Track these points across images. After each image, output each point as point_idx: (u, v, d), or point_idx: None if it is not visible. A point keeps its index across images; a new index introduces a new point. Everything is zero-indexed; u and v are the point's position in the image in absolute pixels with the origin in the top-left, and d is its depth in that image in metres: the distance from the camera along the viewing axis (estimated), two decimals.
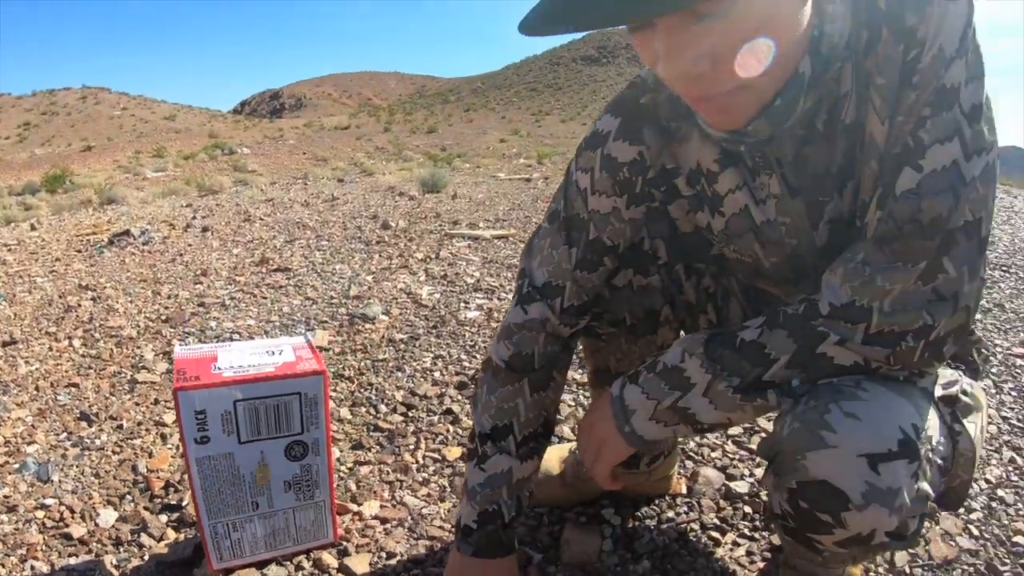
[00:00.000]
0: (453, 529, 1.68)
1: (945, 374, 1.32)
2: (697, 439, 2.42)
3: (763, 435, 2.39)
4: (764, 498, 2.07)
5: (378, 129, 50.59)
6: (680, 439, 1.82)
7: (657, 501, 2.11)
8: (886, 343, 1.12)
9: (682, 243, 1.58)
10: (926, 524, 2.00)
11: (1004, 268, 5.32)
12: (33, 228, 9.24)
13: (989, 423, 2.29)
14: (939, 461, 1.20)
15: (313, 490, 1.83)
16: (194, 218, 8.40)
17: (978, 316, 3.94)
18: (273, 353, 1.78)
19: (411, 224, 7.06)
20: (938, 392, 1.26)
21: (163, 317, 4.02)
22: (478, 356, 3.23)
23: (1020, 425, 2.65)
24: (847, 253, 1.17)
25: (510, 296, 4.01)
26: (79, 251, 6.49)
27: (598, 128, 1.45)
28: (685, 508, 2.08)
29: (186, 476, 2.23)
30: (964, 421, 1.28)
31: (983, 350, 1.48)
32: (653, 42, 1.03)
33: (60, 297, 4.65)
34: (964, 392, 1.32)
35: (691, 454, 2.35)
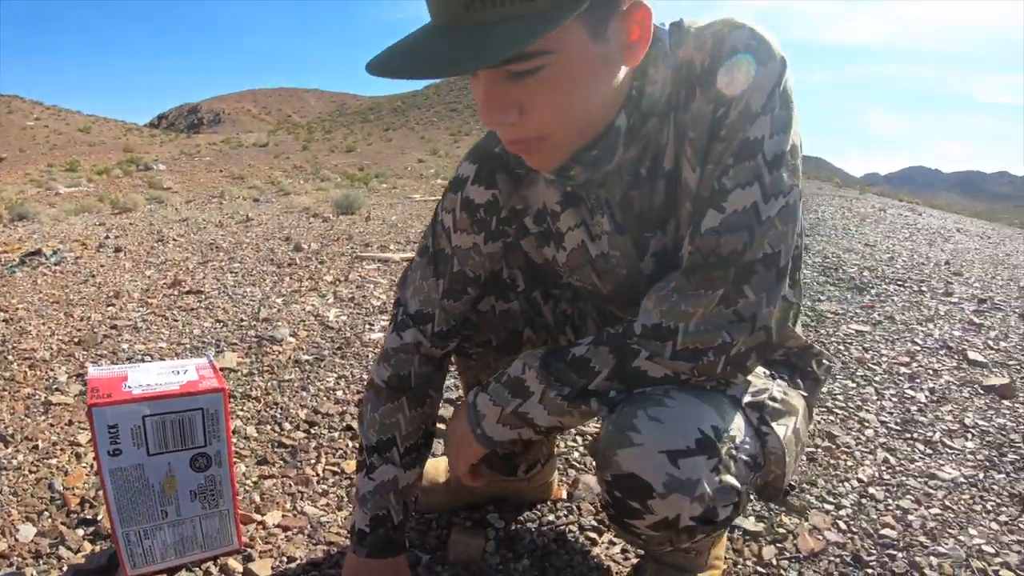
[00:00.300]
0: (349, 534, 1.87)
1: (756, 383, 1.51)
2: (581, 449, 2.64)
3: None
4: None
5: (296, 147, 50.14)
6: (565, 434, 2.03)
7: (539, 506, 2.29)
8: (690, 358, 1.30)
9: (536, 273, 1.83)
10: (794, 519, 2.23)
11: (900, 282, 5.65)
12: None
13: (866, 427, 2.72)
14: (745, 458, 1.39)
15: (217, 499, 1.98)
16: (107, 238, 8.37)
17: (867, 328, 4.22)
18: (178, 372, 1.94)
19: (323, 246, 7.20)
20: (746, 399, 1.45)
21: (76, 340, 4.04)
22: None
23: (896, 428, 2.93)
24: (661, 282, 1.37)
25: None
26: None
27: (459, 173, 1.67)
28: (565, 511, 2.26)
29: (100, 491, 2.34)
30: (772, 424, 1.47)
31: (824, 361, 1.72)
32: (477, 91, 1.23)
33: None
34: (773, 399, 1.51)
35: (574, 463, 2.55)
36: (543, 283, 1.86)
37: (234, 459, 2.02)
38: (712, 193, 1.29)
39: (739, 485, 1.36)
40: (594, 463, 1.55)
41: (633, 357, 1.35)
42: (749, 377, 1.48)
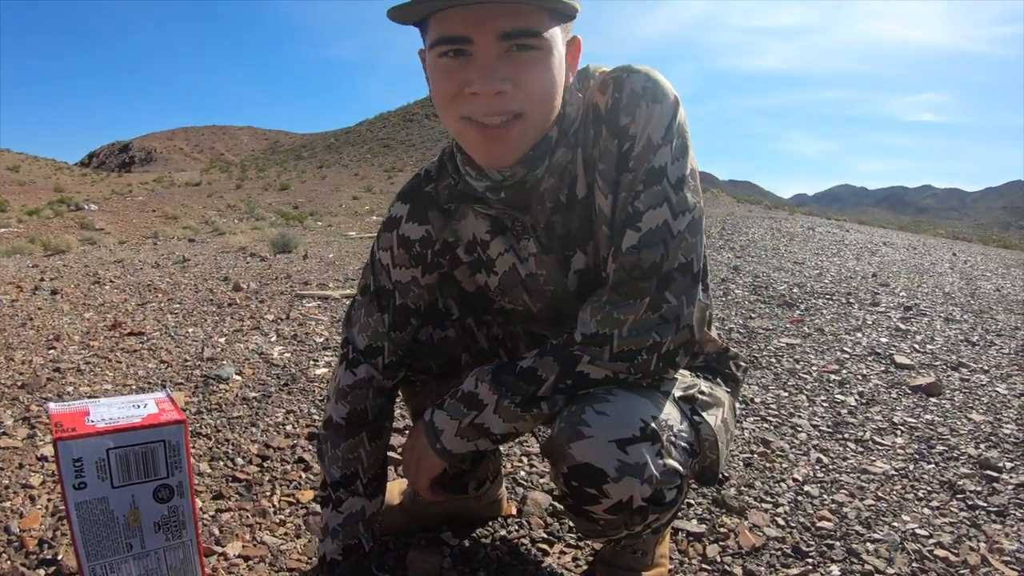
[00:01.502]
0: (318, 564, 1.93)
1: (685, 381, 1.70)
2: (527, 467, 2.75)
3: None
4: None
5: (230, 186, 49.66)
6: (499, 450, 2.15)
7: (491, 523, 2.40)
8: (626, 359, 1.47)
9: (469, 301, 1.97)
10: (735, 519, 2.36)
11: (828, 296, 5.88)
12: None
13: (799, 431, 2.94)
14: (683, 444, 1.56)
15: (180, 530, 2.01)
16: (42, 280, 8.29)
17: (797, 341, 4.38)
18: (138, 406, 1.98)
19: (262, 286, 7.23)
20: (678, 393, 1.64)
21: (19, 383, 4.00)
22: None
23: (828, 431, 3.11)
24: (594, 296, 1.54)
25: None
26: None
27: (392, 214, 1.85)
28: (516, 526, 2.37)
29: (58, 531, 2.39)
30: (703, 414, 1.65)
31: (741, 363, 1.91)
32: (468, 70, 1.39)
33: None
34: (702, 392, 1.70)
35: (521, 481, 2.66)
36: (475, 310, 1.99)
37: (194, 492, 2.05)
38: (627, 216, 1.49)
39: (681, 468, 1.52)
40: (548, 462, 1.67)
41: (576, 363, 1.51)
42: (677, 376, 1.68)
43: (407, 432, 3.09)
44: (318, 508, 2.51)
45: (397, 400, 2.10)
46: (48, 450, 3.03)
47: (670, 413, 1.56)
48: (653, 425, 1.49)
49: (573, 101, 1.56)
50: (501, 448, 2.57)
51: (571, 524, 2.36)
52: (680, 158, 1.48)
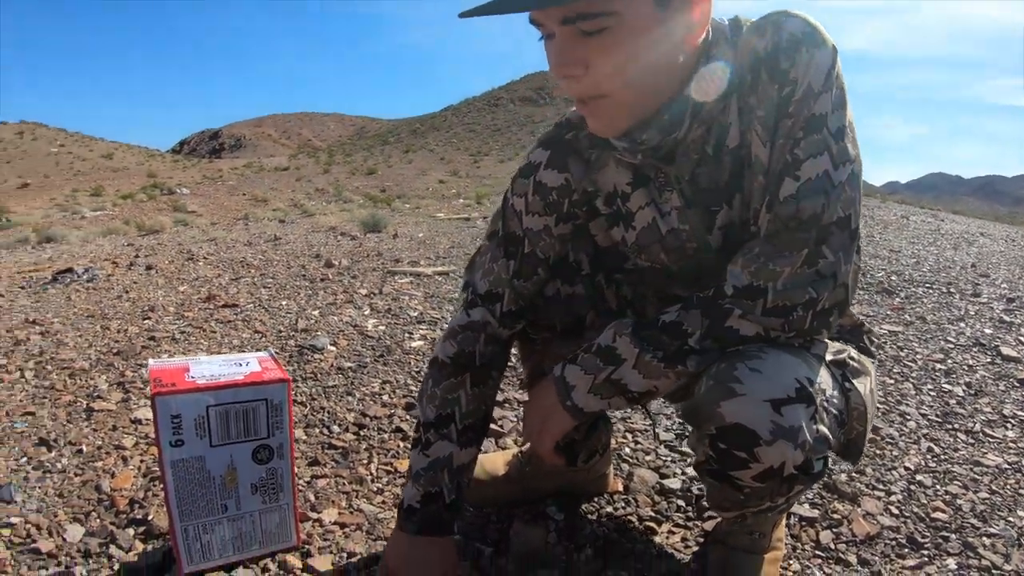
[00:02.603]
0: (397, 511, 1.84)
1: (835, 346, 1.60)
2: (632, 444, 2.63)
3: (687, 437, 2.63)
4: (696, 492, 2.29)
5: (318, 171, 50.31)
6: (617, 411, 2.03)
7: (596, 498, 2.30)
8: (780, 314, 1.38)
9: (601, 257, 1.84)
10: (847, 506, 2.25)
11: (928, 285, 5.67)
12: None
13: (908, 419, 2.76)
14: (834, 412, 1.48)
15: (278, 493, 1.94)
16: (137, 256, 8.35)
17: (899, 329, 4.22)
18: (240, 364, 1.90)
19: (354, 263, 7.17)
20: (829, 357, 1.54)
21: (114, 350, 4.01)
22: None
23: (938, 420, 2.96)
24: (745, 248, 1.45)
25: None
26: (22, 287, 6.41)
27: (531, 160, 1.76)
28: (622, 503, 2.26)
29: (150, 492, 2.34)
30: (854, 381, 1.55)
31: (874, 339, 1.80)
32: (551, 53, 1.35)
33: (7, 332, 4.59)
34: (852, 358, 1.60)
35: (627, 458, 2.56)
36: (608, 267, 1.87)
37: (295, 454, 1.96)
38: (785, 164, 1.40)
39: (831, 437, 1.43)
40: (691, 423, 1.54)
41: (726, 316, 1.42)
42: (826, 340, 1.59)
43: (519, 406, 3.01)
44: None
45: (515, 369, 1.98)
46: (142, 413, 3.02)
47: (823, 376, 1.47)
48: (809, 387, 1.39)
49: (722, 51, 1.44)
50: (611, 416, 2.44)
51: (679, 504, 2.26)
52: (839, 108, 1.38)
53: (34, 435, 2.83)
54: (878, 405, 3.05)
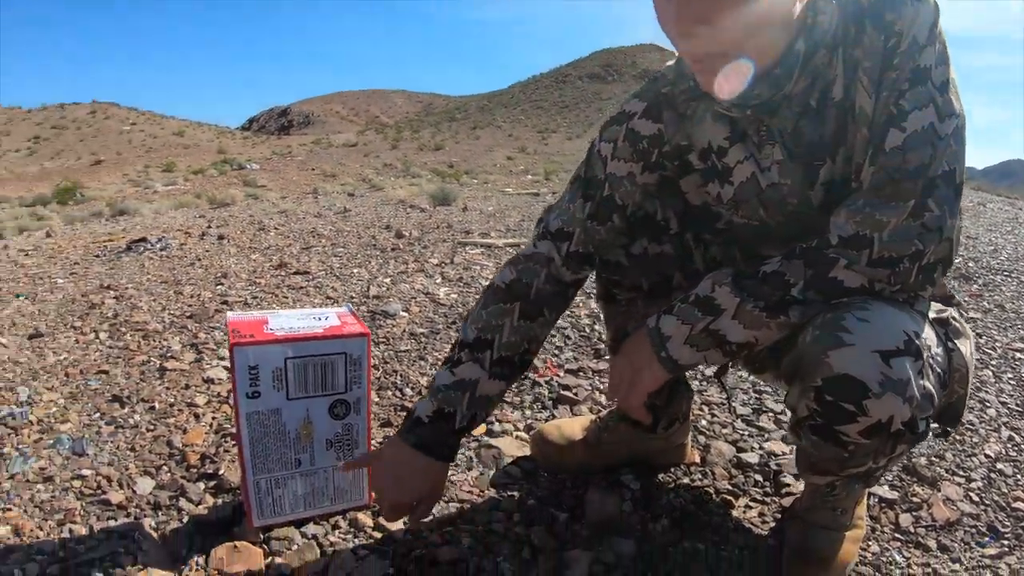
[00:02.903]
0: (404, 419, 1.78)
1: (936, 305, 1.56)
2: (708, 417, 2.58)
3: (769, 415, 2.62)
4: (774, 467, 2.24)
5: (385, 146, 50.53)
6: (711, 368, 1.96)
7: (673, 469, 2.26)
8: (886, 265, 1.36)
9: (691, 215, 1.79)
10: (927, 489, 2.18)
11: (1006, 273, 5.54)
12: (48, 235, 9.28)
13: (987, 407, 2.71)
14: (938, 370, 1.45)
15: (353, 450, 1.90)
16: (209, 227, 8.43)
17: (978, 316, 4.15)
18: (319, 319, 1.86)
19: (424, 233, 7.15)
20: (932, 315, 1.53)
21: (187, 314, 4.04)
22: None
23: (1018, 409, 2.85)
24: (848, 200, 1.42)
25: None
26: (97, 256, 6.50)
27: (625, 109, 1.74)
28: (699, 475, 2.22)
29: (222, 447, 2.33)
30: (956, 341, 1.52)
31: (963, 312, 1.71)
32: (668, 8, 1.30)
33: (82, 296, 4.65)
34: (954, 318, 1.56)
35: (703, 430, 2.50)
36: (696, 226, 1.83)
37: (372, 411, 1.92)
38: (890, 116, 1.37)
39: (935, 395, 1.41)
40: (797, 376, 1.51)
41: (830, 267, 1.40)
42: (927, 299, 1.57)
43: (594, 375, 2.95)
44: (491, 441, 2.41)
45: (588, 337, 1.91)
46: (215, 373, 3.03)
47: (928, 333, 1.44)
48: (916, 340, 1.36)
49: (827, 9, 1.41)
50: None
51: (756, 478, 2.21)
52: (942, 63, 1.36)
53: (107, 392, 2.84)
54: None
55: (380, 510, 1.81)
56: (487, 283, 1.81)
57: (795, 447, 1.75)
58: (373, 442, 2.33)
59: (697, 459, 2.31)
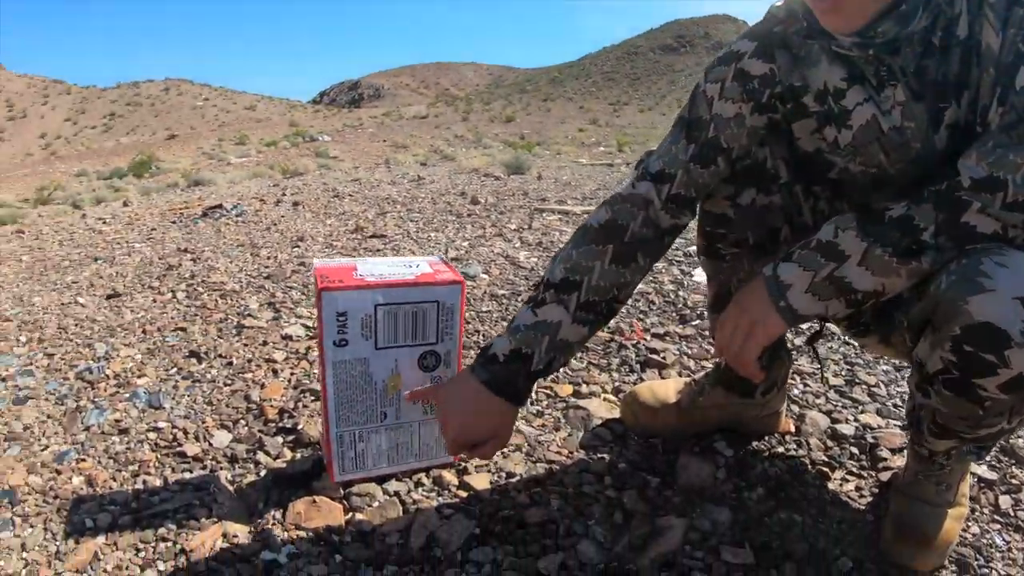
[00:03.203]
0: (478, 355, 1.68)
1: None
2: (800, 386, 2.48)
3: (862, 387, 2.51)
4: (870, 440, 2.14)
5: (456, 118, 50.69)
6: (829, 317, 1.84)
7: (766, 437, 2.18)
8: (1022, 210, 1.25)
9: (802, 164, 1.69)
10: None
11: None
12: (125, 205, 9.37)
13: None
14: None
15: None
16: (284, 195, 8.43)
17: None
18: (410, 266, 1.78)
19: (499, 200, 7.07)
20: None
21: (264, 274, 4.05)
22: None
23: None
24: (977, 142, 1.32)
25: None
26: (173, 222, 6.54)
27: (734, 49, 1.64)
28: (794, 445, 2.14)
29: (300, 403, 2.30)
30: None
31: None
32: None
33: (160, 259, 4.69)
34: None
35: (796, 400, 2.40)
36: (807, 176, 1.72)
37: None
38: (1018, 55, 1.28)
39: None
40: (930, 327, 1.40)
41: (962, 210, 1.30)
42: None
43: (681, 340, 2.83)
44: (579, 403, 2.34)
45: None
46: (293, 331, 3.01)
47: None
48: None
49: None
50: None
51: (852, 451, 2.11)
52: None
53: (184, 348, 2.85)
54: None
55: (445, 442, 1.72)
56: (580, 224, 1.70)
57: (912, 413, 1.63)
58: None
59: (792, 428, 2.22)
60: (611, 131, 38.33)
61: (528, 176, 10.31)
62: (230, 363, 2.68)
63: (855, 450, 2.11)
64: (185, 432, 2.16)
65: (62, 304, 3.65)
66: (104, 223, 6.88)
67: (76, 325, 3.25)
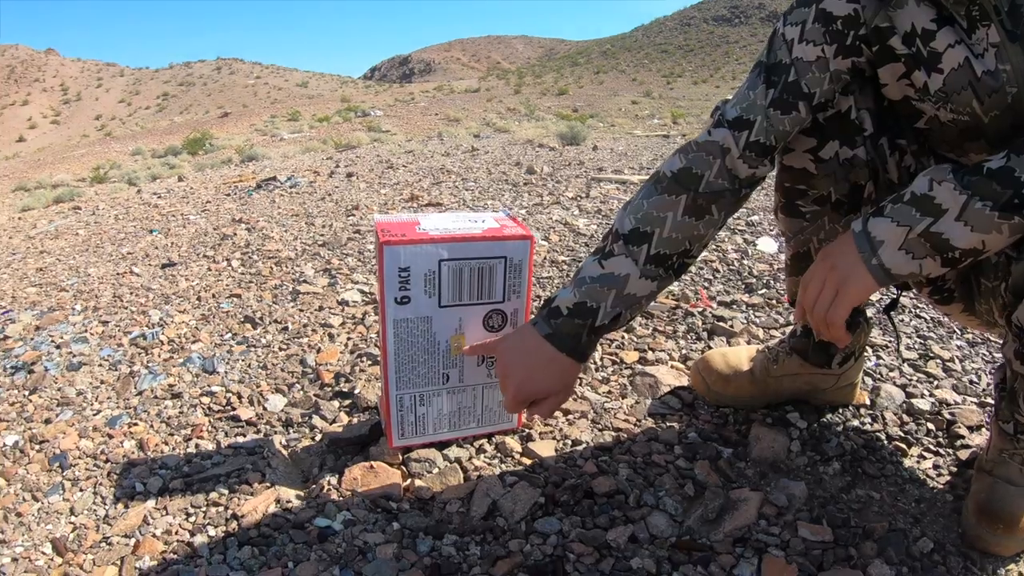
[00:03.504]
0: (540, 308, 1.59)
1: None
2: (873, 358, 2.38)
3: (936, 361, 2.40)
4: (948, 416, 2.06)
5: (508, 91, 50.61)
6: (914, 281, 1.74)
7: (840, 410, 2.08)
8: None
9: (888, 115, 1.58)
10: None
11: None
12: (180, 180, 9.45)
13: None
14: None
15: None
16: (337, 167, 8.46)
17: None
18: (476, 221, 1.69)
19: (555, 170, 6.97)
20: None
21: (320, 242, 4.03)
22: None
23: None
24: None
25: None
26: (227, 195, 6.59)
27: None
28: (868, 419, 2.05)
29: (357, 367, 2.26)
30: None
31: None
32: None
33: (214, 229, 4.71)
34: None
35: (869, 372, 2.29)
36: (893, 128, 1.59)
37: None
38: None
39: None
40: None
41: None
42: None
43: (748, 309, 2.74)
44: (646, 369, 2.25)
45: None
46: (349, 296, 2.98)
47: None
48: None
49: None
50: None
51: (929, 427, 2.01)
52: None
53: (240, 314, 2.83)
54: None
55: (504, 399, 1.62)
56: (653, 172, 1.60)
57: (1002, 385, 1.54)
58: None
59: (866, 401, 2.12)
60: (665, 103, 38.01)
61: (583, 147, 10.22)
62: (285, 328, 2.65)
63: (931, 426, 2.02)
64: (239, 396, 2.13)
65: (117, 274, 3.68)
66: (159, 197, 6.99)
67: (131, 293, 3.27)
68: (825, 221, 1.69)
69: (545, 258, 3.52)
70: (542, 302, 1.59)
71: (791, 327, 2.12)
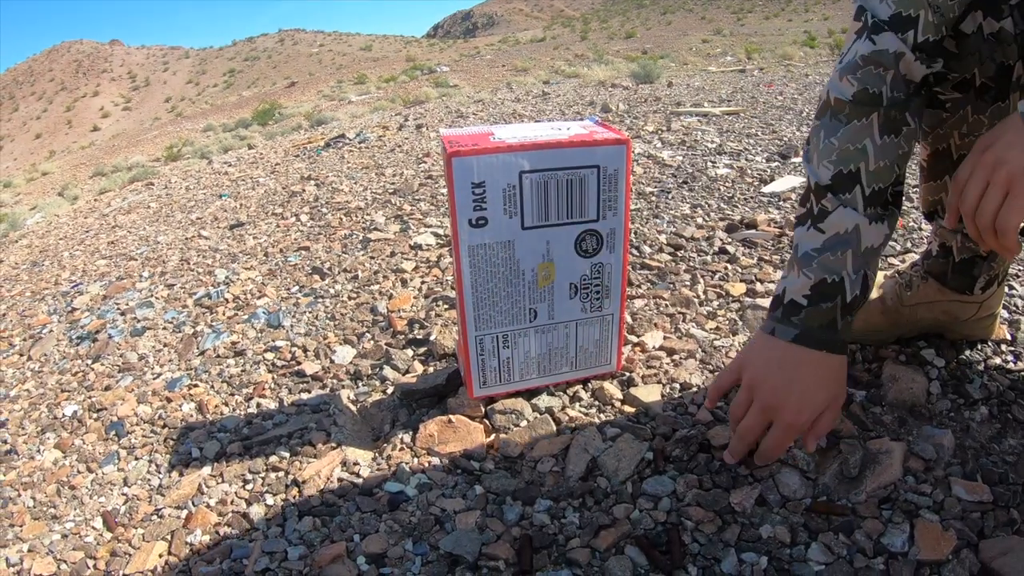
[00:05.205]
0: (769, 308, 1.34)
1: None
2: (1006, 290, 2.04)
3: None
4: None
5: (575, 39, 50.20)
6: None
7: (979, 346, 1.77)
8: None
9: None
10: None
11: None
12: (250, 148, 9.49)
13: None
14: None
15: (602, 299, 1.51)
16: (406, 120, 8.36)
17: None
18: (560, 129, 1.43)
19: (631, 107, 6.76)
20: None
21: (390, 190, 3.93)
22: (739, 207, 2.93)
23: None
24: None
25: (758, 159, 3.77)
26: (297, 156, 6.58)
27: None
28: (1011, 357, 1.72)
29: (432, 312, 2.13)
30: None
31: None
32: None
33: (283, 188, 4.66)
34: None
35: (1005, 304, 1.99)
36: None
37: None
38: None
39: None
40: None
41: None
42: None
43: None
44: (757, 302, 2.02)
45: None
46: (423, 239, 2.85)
47: None
48: None
49: None
50: None
51: None
52: None
53: (307, 266, 2.75)
54: None
55: (763, 439, 1.33)
56: (820, 106, 1.34)
57: None
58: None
59: (1007, 336, 1.82)
60: (737, 40, 37.28)
61: (658, 84, 10.00)
62: (355, 276, 2.54)
63: None
64: (304, 350, 2.04)
65: (186, 239, 3.66)
66: (229, 166, 7.07)
67: (198, 255, 3.24)
68: (968, 111, 1.40)
69: (632, 190, 3.27)
70: (771, 303, 1.32)
71: (925, 247, 1.83)
